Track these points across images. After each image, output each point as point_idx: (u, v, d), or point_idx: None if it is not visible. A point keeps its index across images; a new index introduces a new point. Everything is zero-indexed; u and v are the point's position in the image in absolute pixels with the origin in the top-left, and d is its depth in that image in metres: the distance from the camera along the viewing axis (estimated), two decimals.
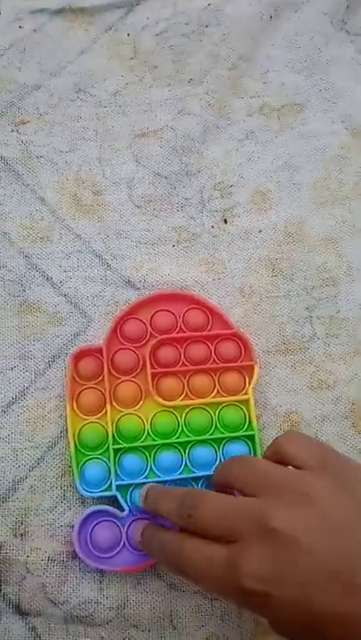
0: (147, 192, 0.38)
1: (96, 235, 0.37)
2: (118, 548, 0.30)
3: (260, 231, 0.38)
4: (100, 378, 0.33)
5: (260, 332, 0.36)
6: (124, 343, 0.34)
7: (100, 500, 0.32)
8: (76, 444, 0.32)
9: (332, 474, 0.24)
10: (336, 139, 0.40)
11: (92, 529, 0.31)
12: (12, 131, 0.38)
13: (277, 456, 0.26)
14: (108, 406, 0.32)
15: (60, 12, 0.41)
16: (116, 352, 0.34)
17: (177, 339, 0.34)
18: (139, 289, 0.36)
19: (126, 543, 0.31)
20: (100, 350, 0.33)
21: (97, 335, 0.35)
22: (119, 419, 0.33)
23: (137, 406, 0.33)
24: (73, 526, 0.31)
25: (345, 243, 0.38)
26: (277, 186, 0.39)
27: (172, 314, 0.35)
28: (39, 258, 0.36)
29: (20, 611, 0.30)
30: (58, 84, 0.40)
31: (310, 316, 0.36)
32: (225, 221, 0.38)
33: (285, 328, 0.36)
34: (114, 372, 0.33)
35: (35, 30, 0.40)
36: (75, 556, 0.31)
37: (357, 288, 0.37)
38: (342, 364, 0.36)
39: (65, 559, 0.31)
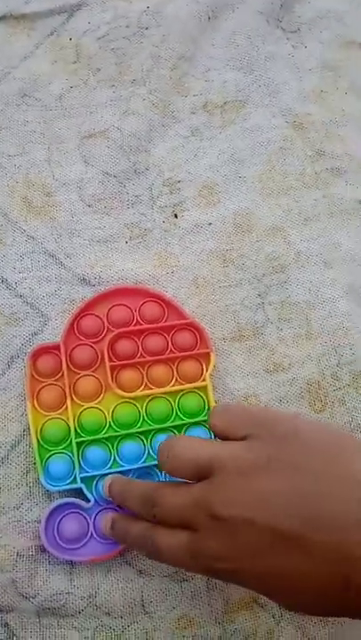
0: (97, 191, 0.38)
1: (49, 235, 0.37)
2: (86, 539, 0.31)
3: (210, 224, 0.39)
4: (60, 374, 0.34)
5: (216, 320, 0.37)
6: (82, 339, 0.35)
7: (66, 493, 0.32)
8: (38, 440, 0.32)
9: (265, 437, 0.25)
10: (278, 132, 0.41)
11: (59, 521, 0.31)
12: None
13: (217, 435, 0.27)
14: (69, 401, 0.33)
15: (1, 18, 0.42)
16: (74, 348, 0.34)
17: (134, 331, 0.35)
18: (94, 286, 0.36)
19: (94, 533, 0.31)
20: (57, 347, 0.34)
21: (55, 333, 0.35)
22: (80, 413, 0.33)
23: (98, 400, 0.34)
24: (40, 521, 0.31)
25: (292, 231, 0.39)
26: (224, 179, 0.40)
27: (128, 308, 0.35)
28: None
29: None
30: (3, 90, 0.40)
31: (262, 303, 0.37)
32: (175, 216, 0.39)
33: (239, 315, 0.37)
34: (73, 368, 0.34)
35: None
36: (43, 549, 0.31)
37: (306, 273, 0.38)
38: (295, 346, 0.37)
39: (34, 553, 0.32)
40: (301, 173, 0.41)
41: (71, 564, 0.31)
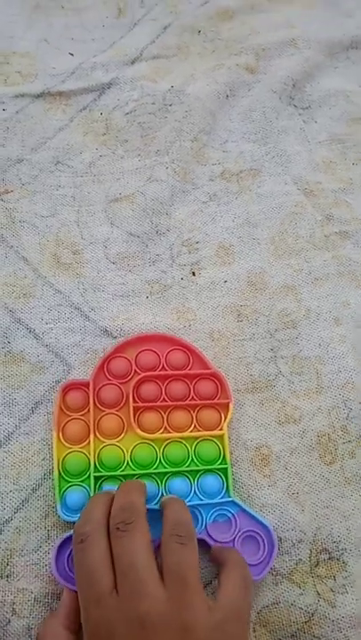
0: (121, 250, 0.42)
1: (75, 289, 0.40)
2: None
3: (226, 281, 0.41)
4: (86, 410, 0.36)
5: (230, 372, 0.39)
6: (110, 379, 0.37)
7: None
8: (59, 471, 0.34)
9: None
10: (290, 198, 0.44)
11: (70, 552, 0.32)
12: None
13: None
14: (92, 436, 0.35)
15: (40, 95, 0.47)
16: (101, 387, 0.36)
17: (159, 376, 0.37)
18: (115, 337, 0.39)
19: None
20: (87, 384, 0.36)
21: None
22: (101, 449, 0.35)
23: (119, 438, 0.35)
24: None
25: (303, 289, 0.42)
26: (239, 241, 0.43)
27: (156, 353, 0.38)
28: (22, 312, 0.39)
29: None
30: (38, 158, 0.44)
31: (275, 356, 0.39)
32: (193, 274, 0.41)
33: (252, 368, 0.39)
34: (99, 405, 0.36)
35: (17, 112, 0.45)
36: (60, 597, 0.32)
37: (316, 329, 0.40)
38: (306, 399, 0.38)
39: (50, 600, 0.32)
40: (311, 236, 0.43)
41: None
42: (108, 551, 0.28)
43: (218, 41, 0.50)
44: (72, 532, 0.32)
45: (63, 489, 0.34)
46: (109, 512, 0.30)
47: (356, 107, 0.49)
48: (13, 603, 0.32)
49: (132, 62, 0.49)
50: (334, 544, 0.35)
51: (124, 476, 0.34)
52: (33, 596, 0.32)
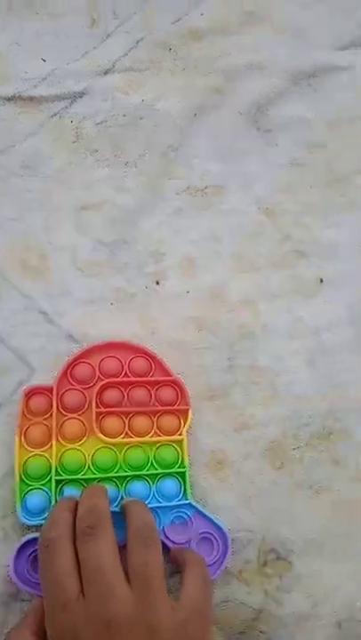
0: (88, 257, 0.42)
1: (41, 294, 0.40)
2: None
3: (188, 292, 0.43)
4: (49, 414, 0.36)
5: (189, 379, 0.40)
6: (73, 384, 0.37)
7: (37, 529, 0.34)
8: (20, 475, 0.34)
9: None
10: (251, 217, 0.47)
11: (30, 556, 0.33)
12: None
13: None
14: (54, 441, 0.35)
15: (11, 98, 0.47)
16: (65, 391, 0.37)
17: (122, 382, 0.38)
18: (80, 343, 0.40)
19: None
20: (50, 389, 0.37)
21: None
22: (63, 453, 0.36)
23: (80, 442, 0.36)
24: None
25: (261, 305, 0.44)
26: (202, 254, 0.45)
27: (120, 360, 0.39)
28: None
29: None
30: (7, 161, 0.44)
31: (232, 366, 0.41)
32: (157, 283, 0.43)
33: (211, 376, 0.41)
34: (61, 410, 0.37)
35: None
36: (16, 597, 0.33)
37: (272, 342, 0.43)
38: (261, 407, 0.41)
39: (6, 600, 0.33)
40: (271, 254, 0.46)
41: None
42: (74, 556, 0.29)
43: (188, 59, 0.52)
44: (31, 535, 0.33)
45: (24, 492, 0.34)
46: (74, 517, 0.31)
47: (316, 134, 0.52)
48: None
49: (105, 73, 0.50)
50: (282, 545, 0.37)
51: (86, 480, 0.35)
52: None
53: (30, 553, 0.33)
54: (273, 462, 0.39)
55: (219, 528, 0.36)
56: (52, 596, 0.28)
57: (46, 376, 0.38)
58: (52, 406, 0.36)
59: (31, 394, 0.37)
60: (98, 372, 0.38)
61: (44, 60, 0.49)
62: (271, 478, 0.39)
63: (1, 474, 0.35)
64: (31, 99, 0.47)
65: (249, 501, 0.38)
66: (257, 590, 0.36)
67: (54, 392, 0.37)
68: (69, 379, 0.38)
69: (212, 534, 0.36)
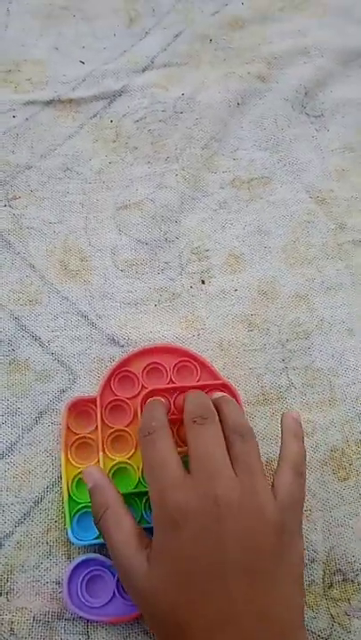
0: (129, 257, 0.41)
1: (82, 297, 0.39)
2: (109, 598, 0.30)
3: (236, 290, 0.40)
4: (94, 428, 0.34)
5: (240, 383, 0.37)
6: (117, 394, 0.36)
7: (86, 549, 0.32)
8: (69, 492, 0.33)
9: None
10: (302, 206, 0.44)
11: (83, 579, 0.31)
12: (5, 205, 0.41)
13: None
14: (101, 454, 0.33)
15: (50, 102, 0.46)
16: (109, 403, 0.35)
17: (167, 389, 0.35)
18: (122, 346, 0.38)
19: (116, 592, 0.30)
20: (93, 401, 0.35)
21: (83, 390, 0.36)
22: (111, 467, 0.34)
23: (129, 455, 0.34)
24: (59, 583, 0.31)
25: (315, 299, 0.40)
26: (250, 249, 0.42)
27: (163, 366, 0.36)
28: (28, 319, 0.38)
29: None
30: (47, 164, 0.44)
31: (286, 367, 0.38)
32: (202, 282, 0.41)
33: (263, 379, 0.38)
34: (107, 422, 0.35)
35: (27, 119, 0.45)
36: (60, 616, 0.31)
37: (329, 340, 0.39)
38: (319, 412, 0.37)
39: (50, 620, 0.31)
40: (324, 245, 0.42)
41: (87, 634, 0.30)
42: (175, 446, 0.30)
43: (229, 49, 0.50)
44: (82, 557, 0.31)
45: (74, 511, 0.32)
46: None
47: None
48: (12, 622, 0.30)
49: (143, 70, 0.48)
50: (349, 565, 0.33)
51: (137, 495, 0.33)
52: (32, 615, 0.31)
53: (84, 576, 0.31)
54: (336, 472, 0.36)
55: None
56: (159, 477, 0.29)
57: (88, 382, 0.36)
58: (96, 419, 0.34)
59: (75, 408, 0.35)
60: (142, 380, 0.36)
61: (83, 63, 0.49)
62: (335, 490, 0.35)
63: (44, 485, 0.34)
64: (70, 101, 0.46)
65: (310, 516, 0.34)
66: (323, 615, 0.32)
67: (98, 404, 0.35)
68: (113, 389, 0.36)
69: None
